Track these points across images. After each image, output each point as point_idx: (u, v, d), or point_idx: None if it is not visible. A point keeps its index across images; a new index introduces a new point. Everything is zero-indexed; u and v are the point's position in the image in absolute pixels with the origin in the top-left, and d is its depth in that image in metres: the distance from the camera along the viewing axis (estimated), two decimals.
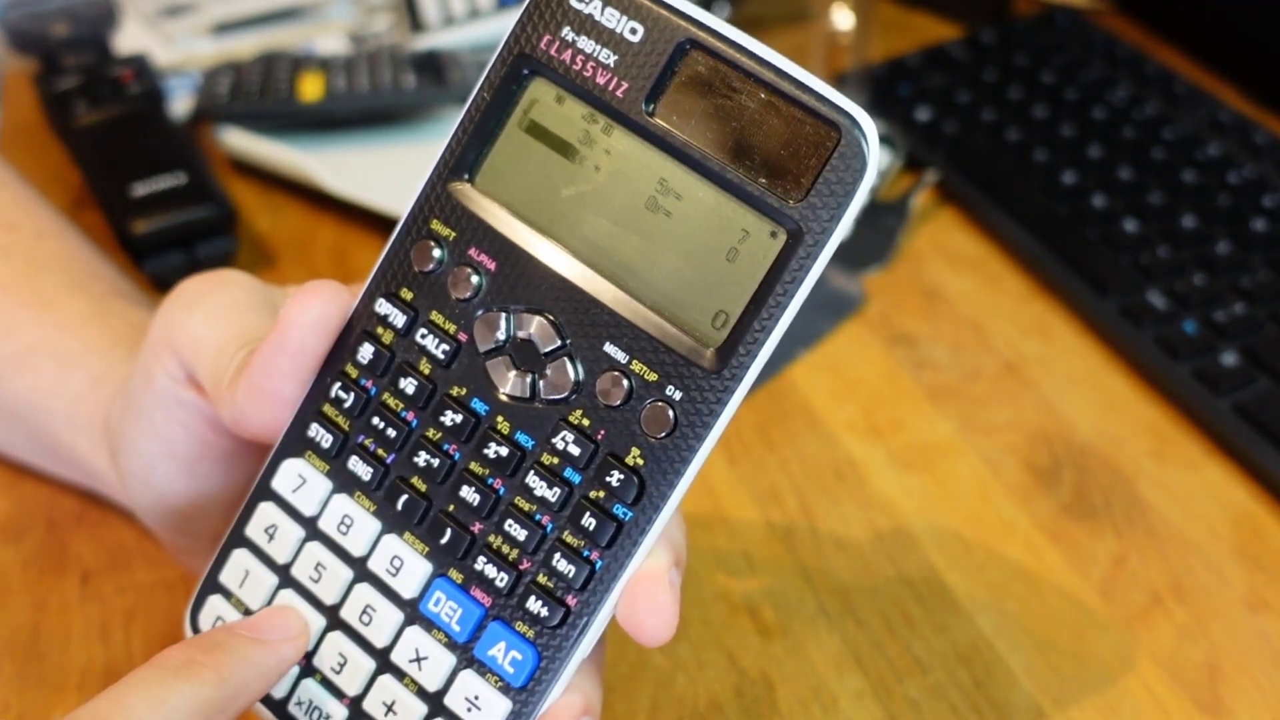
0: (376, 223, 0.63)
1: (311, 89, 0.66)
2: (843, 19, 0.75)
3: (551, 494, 0.33)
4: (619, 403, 0.32)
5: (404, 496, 0.34)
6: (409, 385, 0.34)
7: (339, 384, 0.35)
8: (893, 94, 0.72)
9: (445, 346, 0.34)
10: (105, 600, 0.46)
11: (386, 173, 0.64)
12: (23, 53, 0.71)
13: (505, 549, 0.34)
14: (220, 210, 0.60)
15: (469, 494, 0.34)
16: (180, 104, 0.70)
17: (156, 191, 0.59)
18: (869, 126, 0.30)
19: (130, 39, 0.74)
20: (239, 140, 0.66)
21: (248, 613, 0.36)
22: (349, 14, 0.78)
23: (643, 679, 0.44)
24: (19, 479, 0.50)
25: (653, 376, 0.32)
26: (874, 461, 0.52)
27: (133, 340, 0.45)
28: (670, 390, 0.32)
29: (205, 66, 0.71)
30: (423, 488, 0.34)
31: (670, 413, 0.32)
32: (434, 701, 0.34)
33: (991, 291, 0.61)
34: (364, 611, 0.35)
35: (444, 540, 0.34)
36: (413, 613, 0.34)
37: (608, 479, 0.32)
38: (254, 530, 0.36)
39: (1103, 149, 0.67)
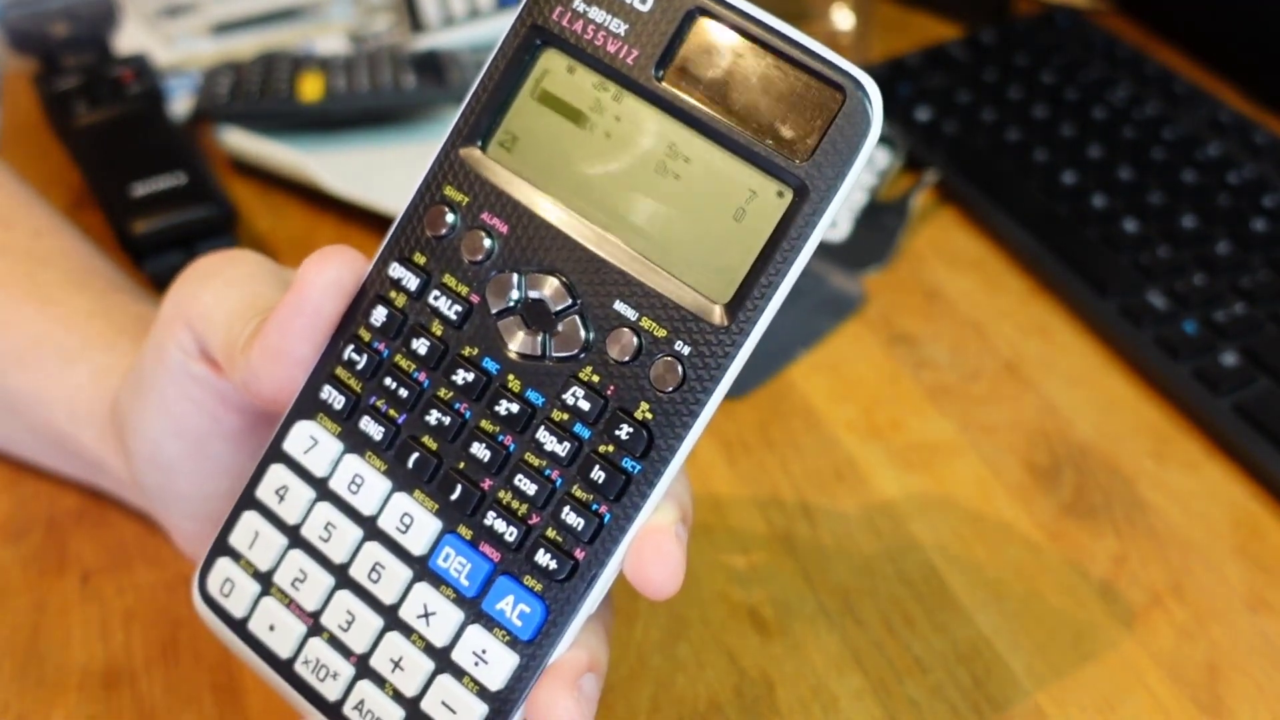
0: (376, 223, 0.63)
1: (311, 89, 0.66)
2: (843, 19, 0.75)
3: (561, 449, 0.33)
4: (629, 358, 0.33)
5: (415, 455, 0.35)
6: (421, 346, 0.35)
7: (352, 346, 0.35)
8: (893, 94, 0.72)
9: (457, 308, 0.35)
10: (105, 600, 0.46)
11: (386, 173, 0.64)
12: (23, 53, 0.71)
13: (515, 504, 0.34)
14: (220, 210, 0.60)
15: (479, 450, 0.34)
16: (180, 104, 0.70)
17: (156, 191, 0.59)
18: (873, 89, 0.31)
19: (130, 39, 0.74)
20: (239, 140, 0.66)
21: (256, 574, 0.36)
22: (349, 14, 0.78)
23: (643, 679, 0.44)
24: (19, 478, 0.50)
25: (662, 332, 0.33)
26: (874, 461, 0.52)
27: (137, 332, 0.45)
28: (679, 345, 0.33)
29: (205, 66, 0.71)
30: (434, 446, 0.35)
31: (679, 367, 0.33)
32: (441, 657, 0.34)
33: (991, 291, 0.61)
34: (373, 569, 0.35)
35: (454, 497, 0.34)
36: (421, 569, 0.35)
37: (617, 433, 0.33)
38: (264, 492, 0.36)
39: (1103, 149, 0.67)
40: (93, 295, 0.48)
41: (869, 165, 0.67)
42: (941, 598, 0.47)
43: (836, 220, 0.64)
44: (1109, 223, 0.62)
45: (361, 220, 0.64)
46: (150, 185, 0.60)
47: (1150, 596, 0.47)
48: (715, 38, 0.33)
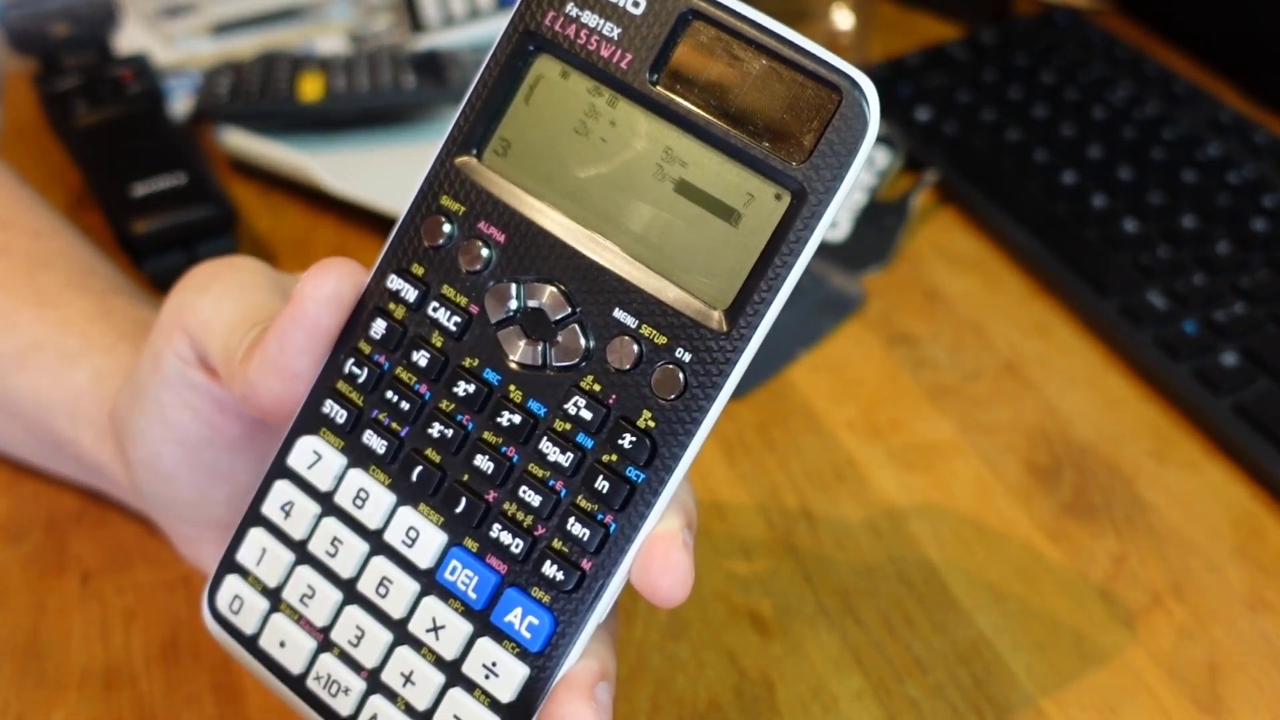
0: (376, 223, 0.63)
1: (311, 89, 0.66)
2: (843, 19, 0.75)
3: (564, 459, 0.33)
4: (629, 366, 0.33)
5: (418, 468, 0.35)
6: (421, 358, 0.35)
7: (352, 360, 0.35)
8: (893, 94, 0.72)
9: (457, 319, 0.34)
10: (105, 600, 0.46)
11: (386, 173, 0.64)
12: (23, 53, 0.71)
13: (520, 516, 0.34)
14: (220, 210, 0.60)
15: (483, 463, 0.34)
16: (180, 104, 0.70)
17: (156, 191, 0.59)
18: (869, 89, 0.31)
19: (130, 39, 0.74)
20: (239, 140, 0.66)
21: (265, 591, 0.36)
22: (349, 14, 0.78)
23: (643, 679, 0.44)
24: (19, 479, 0.50)
25: (662, 340, 0.33)
26: (874, 461, 0.52)
27: (136, 336, 0.45)
28: (680, 352, 0.32)
29: (205, 66, 0.71)
30: (437, 459, 0.35)
31: (680, 375, 0.32)
32: (452, 670, 0.34)
33: (991, 291, 0.61)
34: (381, 583, 0.35)
35: (459, 509, 0.34)
36: (429, 583, 0.35)
37: (620, 442, 0.33)
38: (270, 508, 0.36)
39: (1103, 149, 0.67)
40: (93, 298, 0.48)
41: (869, 165, 0.67)
42: (941, 598, 0.47)
43: (837, 220, 0.64)
44: (1109, 223, 0.62)
45: (361, 220, 0.64)
46: (150, 185, 0.60)
47: (1150, 596, 0.47)
48: (709, 40, 0.32)
